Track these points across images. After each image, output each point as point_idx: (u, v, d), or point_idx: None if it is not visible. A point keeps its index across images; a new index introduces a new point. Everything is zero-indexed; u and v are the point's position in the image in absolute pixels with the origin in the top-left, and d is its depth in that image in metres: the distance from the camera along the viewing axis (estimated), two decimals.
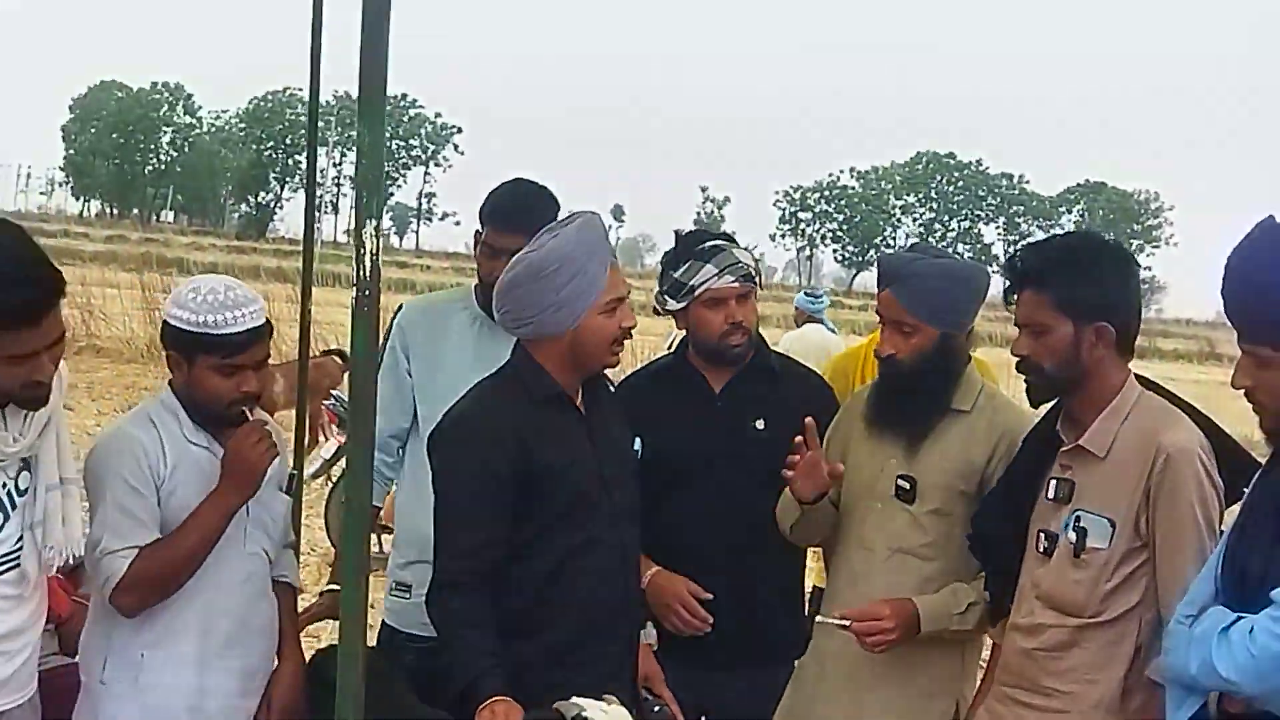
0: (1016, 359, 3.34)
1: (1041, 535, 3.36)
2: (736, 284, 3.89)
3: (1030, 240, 3.59)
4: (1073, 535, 3.27)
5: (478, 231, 4.20)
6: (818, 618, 3.70)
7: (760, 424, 3.94)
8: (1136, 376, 3.35)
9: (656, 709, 3.69)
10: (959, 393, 3.71)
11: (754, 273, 3.94)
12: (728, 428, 3.91)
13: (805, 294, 12.58)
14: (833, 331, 11.98)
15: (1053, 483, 3.35)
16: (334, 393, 9.90)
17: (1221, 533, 3.06)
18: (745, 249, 4.02)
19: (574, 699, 3.19)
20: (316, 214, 5.89)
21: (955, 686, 3.73)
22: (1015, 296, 3.36)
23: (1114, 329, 3.26)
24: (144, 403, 3.59)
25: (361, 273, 2.47)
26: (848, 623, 3.59)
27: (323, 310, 6.19)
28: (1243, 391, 2.94)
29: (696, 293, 3.88)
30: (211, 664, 3.46)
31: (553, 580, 3.42)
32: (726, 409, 3.98)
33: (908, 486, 3.67)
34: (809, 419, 3.64)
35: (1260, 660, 2.66)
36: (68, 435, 3.38)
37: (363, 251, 2.46)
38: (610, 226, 3.82)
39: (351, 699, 2.53)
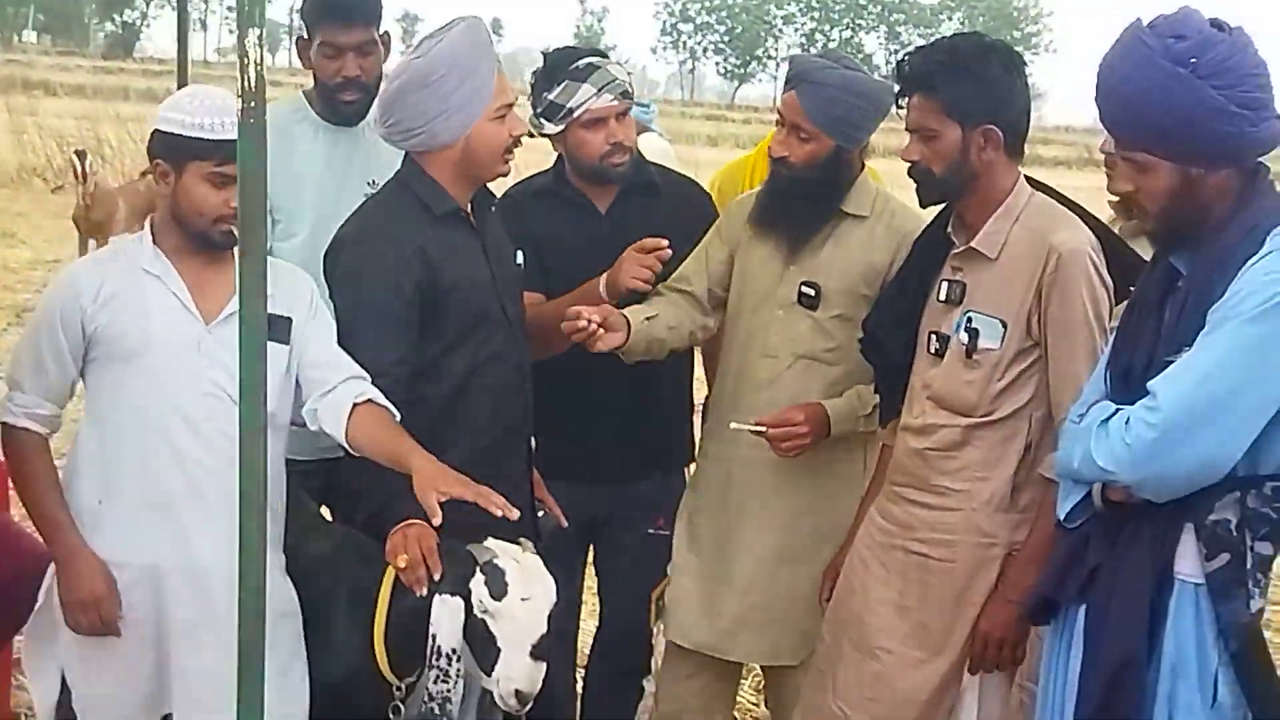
0: (908, 164, 3.34)
1: (933, 337, 3.39)
2: (615, 102, 3.85)
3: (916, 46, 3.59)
4: (964, 336, 3.31)
5: (302, 39, 4.12)
6: (731, 424, 3.72)
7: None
8: (1026, 178, 3.37)
9: (541, 514, 3.72)
10: (854, 198, 3.72)
11: (630, 88, 3.90)
12: (618, 246, 3.86)
13: (636, 104, 12.44)
14: (664, 138, 11.92)
15: (944, 284, 3.38)
16: None
17: (1113, 330, 3.12)
18: (618, 63, 3.97)
19: (488, 541, 3.18)
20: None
21: (859, 485, 3.80)
22: (905, 102, 3.36)
23: (1001, 131, 3.26)
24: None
25: (246, 84, 2.41)
26: (763, 429, 3.64)
27: None
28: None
29: (575, 114, 3.82)
30: (168, 517, 3.21)
31: (456, 399, 3.42)
32: (615, 228, 3.96)
33: (811, 293, 3.69)
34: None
35: (1135, 449, 2.72)
36: None
37: (246, 61, 2.40)
38: None
39: (254, 510, 2.54)
